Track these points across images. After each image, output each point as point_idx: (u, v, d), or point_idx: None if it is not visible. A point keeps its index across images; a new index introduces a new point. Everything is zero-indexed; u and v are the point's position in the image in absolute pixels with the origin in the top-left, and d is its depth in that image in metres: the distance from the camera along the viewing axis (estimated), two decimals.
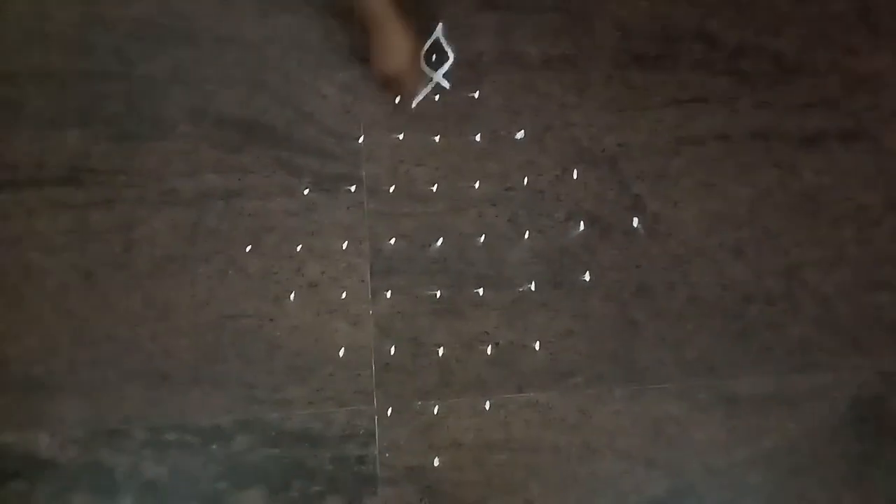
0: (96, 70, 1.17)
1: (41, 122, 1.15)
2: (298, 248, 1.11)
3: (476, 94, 1.18)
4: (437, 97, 1.17)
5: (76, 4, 1.20)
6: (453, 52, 1.18)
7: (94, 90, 1.16)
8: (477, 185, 1.15)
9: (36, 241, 1.09)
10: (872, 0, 1.26)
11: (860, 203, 1.17)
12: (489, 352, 1.09)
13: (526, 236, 1.13)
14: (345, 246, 1.12)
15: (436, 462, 1.05)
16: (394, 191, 1.14)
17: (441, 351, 1.08)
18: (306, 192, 1.13)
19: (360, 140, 1.15)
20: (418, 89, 1.14)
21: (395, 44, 1.06)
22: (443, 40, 1.18)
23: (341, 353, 1.08)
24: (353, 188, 1.14)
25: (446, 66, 1.17)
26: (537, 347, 1.09)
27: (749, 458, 1.07)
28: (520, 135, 1.17)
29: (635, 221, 1.14)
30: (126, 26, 1.20)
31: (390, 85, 1.10)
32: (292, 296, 1.09)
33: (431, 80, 1.17)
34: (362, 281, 1.10)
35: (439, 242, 1.12)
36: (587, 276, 1.12)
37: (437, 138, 1.16)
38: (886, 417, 1.10)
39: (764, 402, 1.09)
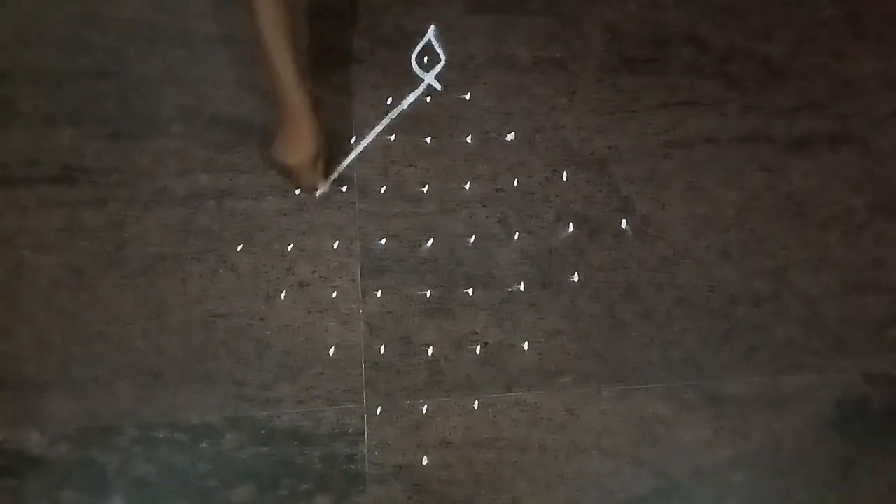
0: (90, 69, 1.18)
1: (34, 121, 1.15)
2: (289, 247, 1.12)
3: (467, 96, 1.19)
4: (428, 99, 1.18)
5: (70, 3, 1.21)
6: (445, 54, 1.19)
7: (88, 89, 1.17)
8: (467, 185, 1.15)
9: (28, 238, 1.10)
10: (861, 6, 1.28)
11: (847, 206, 1.18)
12: (478, 351, 1.10)
13: (516, 237, 1.14)
14: (335, 246, 1.12)
15: (424, 460, 1.06)
16: (385, 191, 1.15)
17: (430, 350, 1.09)
18: (297, 191, 1.13)
19: (352, 141, 1.16)
20: (318, 185, 1.09)
21: (302, 138, 1.00)
22: (434, 42, 1.19)
23: (331, 352, 1.08)
24: (344, 188, 1.14)
25: (438, 68, 1.18)
26: (526, 347, 1.10)
27: (735, 458, 1.08)
28: (510, 136, 1.18)
29: (624, 223, 1.15)
30: (120, 26, 1.20)
31: (288, 175, 1.05)
32: (283, 295, 1.10)
33: (423, 81, 1.18)
34: (353, 280, 1.11)
35: (430, 243, 1.13)
36: (576, 277, 1.13)
37: (428, 139, 1.17)
38: (871, 419, 1.11)
39: (750, 402, 1.10)
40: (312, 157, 1.02)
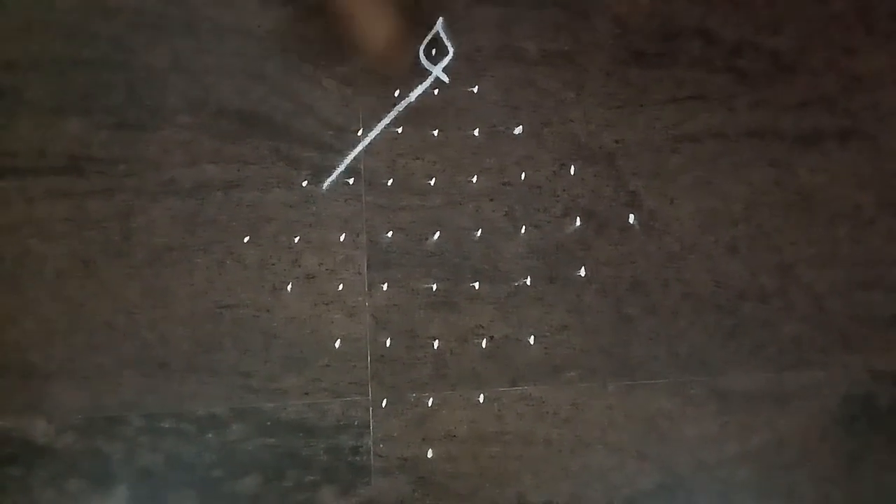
0: (97, 59, 1.18)
1: (42, 111, 1.15)
2: (296, 239, 1.12)
3: (475, 89, 1.19)
4: (436, 91, 1.18)
5: None
6: (453, 46, 1.18)
7: (95, 79, 1.17)
8: (474, 179, 1.15)
9: (35, 228, 1.10)
10: (870, 0, 1.27)
11: (855, 202, 1.18)
12: (484, 345, 1.10)
13: (522, 231, 1.14)
14: (342, 238, 1.12)
15: (429, 453, 1.06)
16: (392, 184, 1.15)
17: (436, 344, 1.09)
18: (304, 183, 1.13)
19: (359, 133, 1.16)
20: (404, 64, 1.11)
21: (377, 19, 1.04)
22: (442, 35, 1.19)
23: (337, 344, 1.09)
24: (351, 181, 1.14)
25: (445, 61, 1.18)
26: (532, 341, 1.10)
27: (740, 454, 1.08)
28: (518, 130, 1.17)
29: (631, 218, 1.15)
30: (127, 16, 1.20)
31: (383, 58, 1.07)
32: (289, 287, 1.10)
33: (431, 74, 1.17)
34: (359, 273, 1.11)
35: (436, 236, 1.13)
36: (582, 272, 1.13)
37: (435, 132, 1.17)
38: (877, 415, 1.11)
39: (756, 398, 1.10)
40: (396, 33, 1.05)
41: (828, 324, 1.13)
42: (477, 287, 1.11)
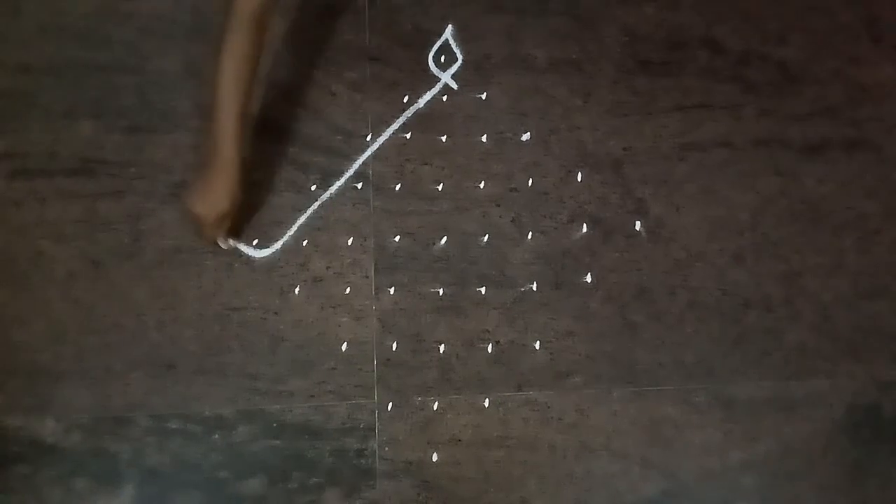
0: (109, 63, 1.19)
1: (54, 113, 1.16)
2: (304, 243, 1.13)
3: (483, 96, 1.20)
4: (444, 98, 1.19)
5: None
6: (462, 53, 1.19)
7: (107, 83, 1.18)
8: (482, 185, 1.16)
9: (46, 229, 1.11)
10: (877, 11, 1.27)
11: (861, 212, 1.18)
12: (490, 350, 1.10)
13: (529, 237, 1.14)
14: (350, 242, 1.13)
15: (434, 457, 1.06)
16: (400, 189, 1.15)
17: (442, 348, 1.10)
18: (313, 188, 1.14)
19: (368, 138, 1.16)
20: (218, 240, 1.09)
21: (218, 192, 1.03)
22: (452, 42, 1.20)
23: (344, 347, 1.09)
24: (359, 185, 1.15)
25: (454, 68, 1.19)
26: (537, 347, 1.10)
27: (744, 462, 1.08)
28: (525, 136, 1.18)
29: (637, 225, 1.16)
30: (139, 20, 1.21)
31: (193, 221, 1.06)
32: (297, 290, 1.11)
33: (440, 80, 1.18)
34: (366, 277, 1.12)
35: (443, 241, 1.14)
36: (588, 278, 1.13)
37: (443, 138, 1.17)
38: (881, 425, 1.11)
39: (760, 406, 1.10)
40: (221, 213, 1.04)
41: (833, 333, 1.14)
42: (483, 292, 1.12)
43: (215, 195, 1.03)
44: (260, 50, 1.02)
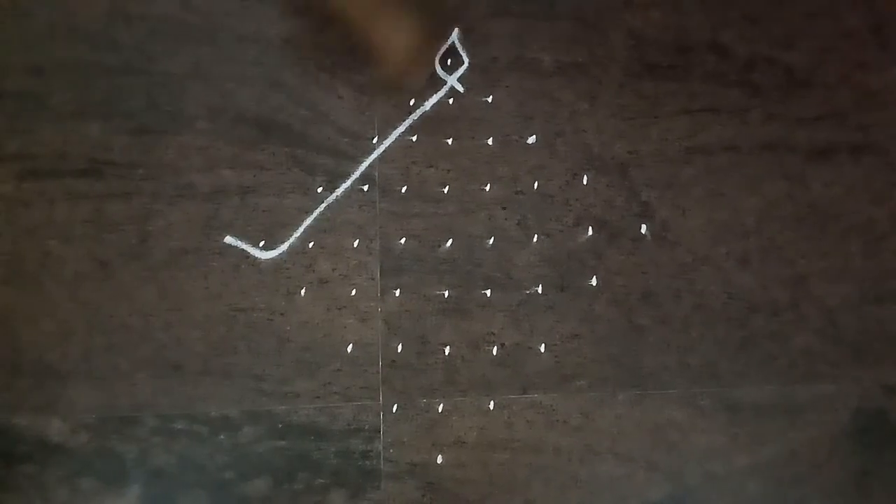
0: (118, 65, 1.20)
1: (63, 115, 1.17)
2: (310, 244, 1.13)
3: (489, 99, 1.20)
4: (451, 101, 1.19)
5: (100, 0, 1.23)
6: (468, 56, 1.20)
7: (116, 85, 1.19)
8: (488, 187, 1.16)
9: (54, 229, 1.12)
10: (885, 16, 1.27)
11: (868, 216, 1.18)
12: (495, 352, 1.10)
13: (534, 240, 1.14)
14: (356, 244, 1.13)
15: (439, 459, 1.06)
16: (405, 191, 1.16)
17: (447, 350, 1.10)
18: (320, 189, 1.15)
19: (374, 140, 1.17)
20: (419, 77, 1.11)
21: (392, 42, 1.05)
22: (458, 45, 1.20)
23: (349, 349, 1.09)
24: (365, 188, 1.15)
25: (461, 71, 1.19)
26: (542, 350, 1.10)
27: (749, 466, 1.08)
28: (531, 139, 1.18)
29: (643, 228, 1.16)
30: (149, 23, 1.22)
31: (397, 76, 1.08)
32: (303, 291, 1.11)
33: (446, 83, 1.19)
34: (372, 279, 1.12)
35: (449, 243, 1.14)
36: (594, 281, 1.13)
37: (449, 141, 1.18)
38: (888, 430, 1.10)
39: (766, 410, 1.10)
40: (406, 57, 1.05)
41: (840, 337, 1.13)
42: (488, 294, 1.12)
43: (394, 38, 1.05)
44: None
